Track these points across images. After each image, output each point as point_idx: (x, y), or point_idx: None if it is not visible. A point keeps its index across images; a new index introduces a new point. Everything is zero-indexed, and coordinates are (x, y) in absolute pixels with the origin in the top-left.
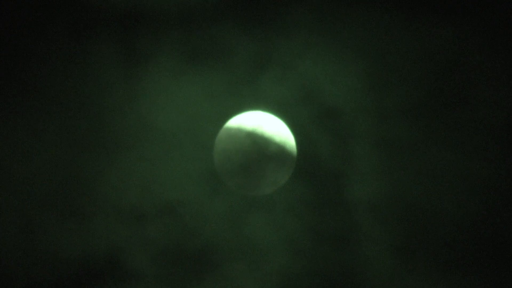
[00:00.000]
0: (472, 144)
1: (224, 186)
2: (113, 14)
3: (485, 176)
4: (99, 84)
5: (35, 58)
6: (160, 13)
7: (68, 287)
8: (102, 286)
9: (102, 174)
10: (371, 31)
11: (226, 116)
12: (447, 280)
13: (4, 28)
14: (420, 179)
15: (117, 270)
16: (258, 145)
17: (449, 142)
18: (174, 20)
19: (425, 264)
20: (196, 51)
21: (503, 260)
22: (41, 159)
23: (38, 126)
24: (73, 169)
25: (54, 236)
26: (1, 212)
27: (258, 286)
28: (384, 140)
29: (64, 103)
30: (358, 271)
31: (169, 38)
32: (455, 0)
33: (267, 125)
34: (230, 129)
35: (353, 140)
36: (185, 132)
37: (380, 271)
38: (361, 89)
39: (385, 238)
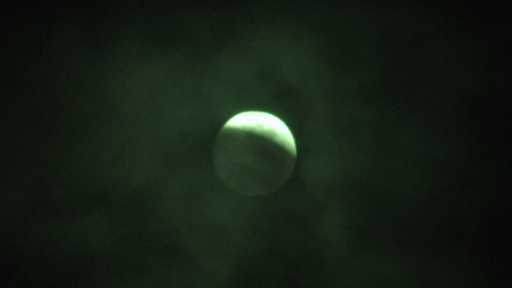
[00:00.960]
0: (430, 124)
1: (184, 167)
2: None
3: (443, 156)
4: (63, 66)
5: None
6: None
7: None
8: (67, 268)
9: (66, 157)
10: (329, 11)
11: (190, 97)
12: (404, 258)
13: None
14: (378, 159)
15: (82, 253)
16: (257, 146)
17: (407, 122)
18: (138, 3)
19: (382, 243)
20: (160, 34)
21: (460, 240)
22: (2, 142)
23: (0, 108)
24: (37, 152)
25: (19, 224)
26: None
27: (218, 266)
28: (342, 119)
29: (28, 85)
30: (316, 250)
31: (134, 21)
32: None
33: (266, 126)
34: (230, 130)
35: (311, 120)
36: (148, 114)
37: (338, 250)
38: (319, 69)
39: (343, 218)
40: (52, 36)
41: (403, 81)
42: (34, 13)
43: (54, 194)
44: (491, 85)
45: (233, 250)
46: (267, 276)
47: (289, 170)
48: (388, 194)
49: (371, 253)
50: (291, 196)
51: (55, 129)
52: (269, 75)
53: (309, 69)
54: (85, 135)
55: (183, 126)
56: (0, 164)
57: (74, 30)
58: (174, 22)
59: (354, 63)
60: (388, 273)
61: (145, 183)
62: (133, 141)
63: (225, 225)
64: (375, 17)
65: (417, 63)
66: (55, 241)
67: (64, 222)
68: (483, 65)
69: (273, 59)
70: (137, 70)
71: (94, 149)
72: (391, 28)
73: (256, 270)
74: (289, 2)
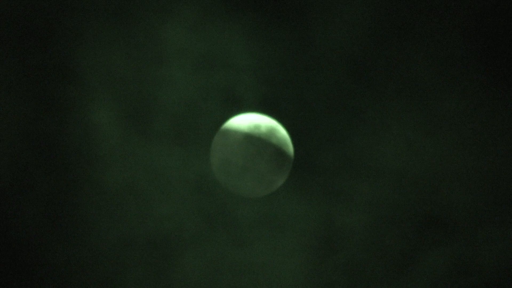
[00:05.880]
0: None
1: None
2: None
3: (223, 56)
4: None
5: None
6: None
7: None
8: None
9: None
10: None
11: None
12: (177, 151)
13: None
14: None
15: None
16: (255, 147)
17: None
18: None
19: (155, 135)
20: None
21: None
22: None
23: None
24: None
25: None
26: None
27: None
28: None
29: None
30: (89, 142)
31: None
32: None
33: (264, 127)
34: (227, 131)
35: None
36: None
37: (109, 142)
38: None
39: (114, 106)
40: None
41: None
42: None
43: None
44: None
45: None
46: (40, 172)
47: (286, 171)
48: (163, 89)
49: (143, 144)
50: (67, 89)
51: None
52: None
53: None
54: None
55: None
56: None
57: None
58: None
59: None
60: (160, 163)
61: None
62: None
63: None
64: None
65: None
66: None
67: None
68: None
69: None
70: None
71: None
72: None
73: (29, 169)
74: None
